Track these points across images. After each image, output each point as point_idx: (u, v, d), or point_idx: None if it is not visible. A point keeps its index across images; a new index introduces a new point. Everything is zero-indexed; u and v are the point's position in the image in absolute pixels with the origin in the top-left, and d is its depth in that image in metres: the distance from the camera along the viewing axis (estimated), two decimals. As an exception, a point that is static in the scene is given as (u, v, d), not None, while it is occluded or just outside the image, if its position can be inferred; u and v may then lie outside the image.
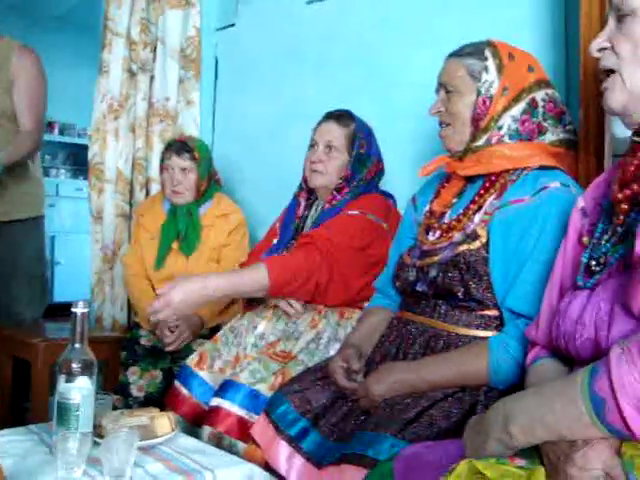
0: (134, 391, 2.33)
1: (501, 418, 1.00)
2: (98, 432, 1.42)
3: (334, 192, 2.08)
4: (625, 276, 0.97)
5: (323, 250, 1.87)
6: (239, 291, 1.86)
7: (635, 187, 1.03)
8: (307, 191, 2.22)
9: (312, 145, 2.14)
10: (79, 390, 1.34)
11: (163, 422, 1.50)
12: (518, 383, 1.29)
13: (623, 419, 0.84)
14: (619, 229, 1.06)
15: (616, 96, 1.06)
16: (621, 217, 1.06)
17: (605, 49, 1.07)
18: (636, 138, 1.08)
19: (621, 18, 1.04)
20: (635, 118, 1.06)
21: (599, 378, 0.88)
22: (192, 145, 2.61)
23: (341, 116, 2.12)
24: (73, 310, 1.37)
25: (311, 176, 2.12)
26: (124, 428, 1.37)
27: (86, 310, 1.39)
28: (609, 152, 1.66)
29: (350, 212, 2.00)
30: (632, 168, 1.04)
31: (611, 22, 1.07)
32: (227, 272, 2.01)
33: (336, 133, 2.09)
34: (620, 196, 1.05)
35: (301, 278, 1.85)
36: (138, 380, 2.34)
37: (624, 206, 1.05)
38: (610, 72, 1.07)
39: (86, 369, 1.36)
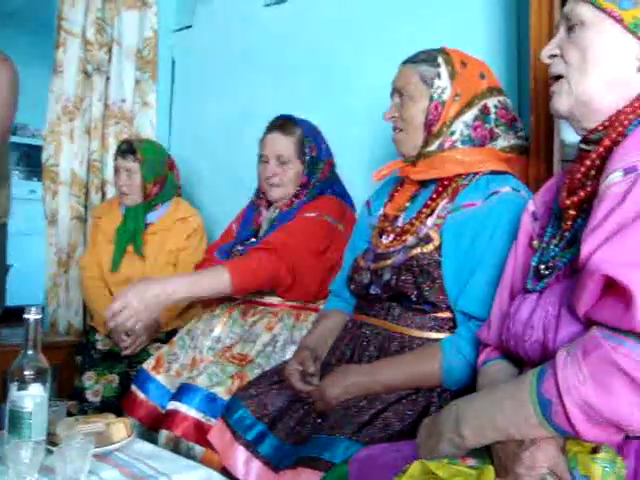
0: (90, 396, 2.29)
1: (453, 420, 1.03)
2: (52, 440, 1.40)
3: (292, 198, 2.10)
4: (572, 280, 1.00)
5: (284, 256, 1.88)
6: (198, 295, 1.87)
7: (582, 194, 1.06)
8: (266, 202, 2.21)
9: (262, 159, 2.13)
10: (32, 398, 1.31)
11: (119, 428, 1.48)
12: (471, 384, 1.31)
13: (569, 420, 0.88)
14: (567, 234, 1.09)
15: (563, 100, 1.10)
16: (569, 223, 1.09)
17: (555, 56, 1.11)
18: (583, 145, 1.12)
19: (571, 27, 1.08)
20: (581, 124, 1.10)
21: (546, 380, 0.91)
22: (137, 147, 2.60)
23: (285, 124, 2.10)
24: (26, 316, 1.34)
25: (270, 190, 2.12)
26: (78, 435, 1.35)
27: (39, 316, 1.36)
28: (558, 157, 1.71)
29: (307, 214, 2.01)
30: (579, 175, 1.08)
31: (561, 31, 1.11)
32: (186, 276, 1.99)
33: (284, 144, 2.08)
34: (568, 202, 1.09)
35: (265, 283, 1.88)
36: (94, 385, 2.31)
37: (572, 212, 1.08)
38: (559, 78, 1.11)
39: (39, 376, 1.34)
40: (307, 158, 2.07)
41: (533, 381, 0.93)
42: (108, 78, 3.19)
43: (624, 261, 0.84)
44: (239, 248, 2.12)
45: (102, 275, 2.63)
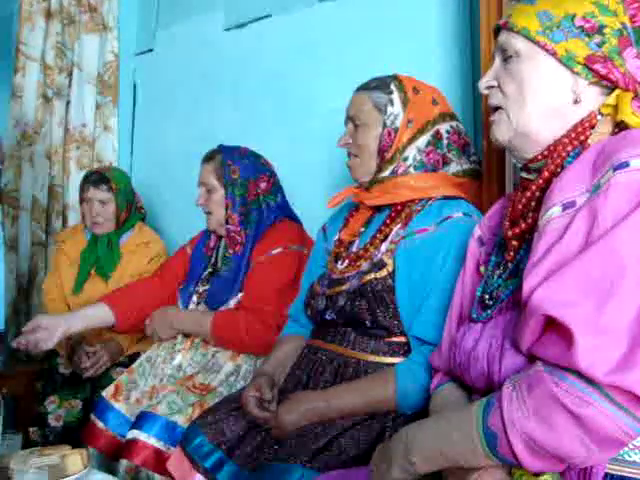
0: (52, 421, 2.26)
1: (403, 447, 1.04)
2: (5, 475, 1.38)
3: (227, 225, 2.08)
4: (515, 313, 1.01)
5: (266, 321, 1.93)
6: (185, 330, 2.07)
7: (523, 225, 1.08)
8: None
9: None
10: (-17, 432, 1.30)
11: (74, 460, 1.46)
12: (425, 408, 1.31)
13: (513, 453, 0.90)
14: (510, 265, 1.10)
15: (502, 131, 1.11)
16: (511, 253, 1.10)
17: (492, 87, 1.13)
18: (524, 174, 1.14)
19: (506, 58, 1.10)
20: (520, 154, 1.12)
21: (492, 414, 0.92)
22: (109, 176, 2.59)
23: (210, 154, 2.15)
24: (-23, 349, 1.34)
25: (207, 220, 2.16)
26: (32, 469, 1.34)
27: (-9, 349, 1.35)
28: (510, 181, 1.74)
29: (274, 251, 2.02)
30: (520, 206, 1.09)
31: (497, 61, 1.12)
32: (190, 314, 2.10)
33: (206, 173, 2.13)
34: (510, 233, 1.10)
35: (240, 344, 1.98)
36: (57, 409, 2.27)
37: (514, 243, 1.10)
38: (498, 108, 1.12)
39: (-10, 410, 1.32)
40: (226, 180, 2.08)
41: (480, 414, 0.94)
42: (68, 102, 3.17)
43: (564, 300, 0.85)
44: (201, 289, 2.14)
45: (63, 297, 2.61)
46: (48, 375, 2.45)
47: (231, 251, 2.08)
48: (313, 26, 2.56)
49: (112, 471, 1.83)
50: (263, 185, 2.11)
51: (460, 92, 2.12)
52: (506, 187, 1.73)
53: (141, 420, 1.82)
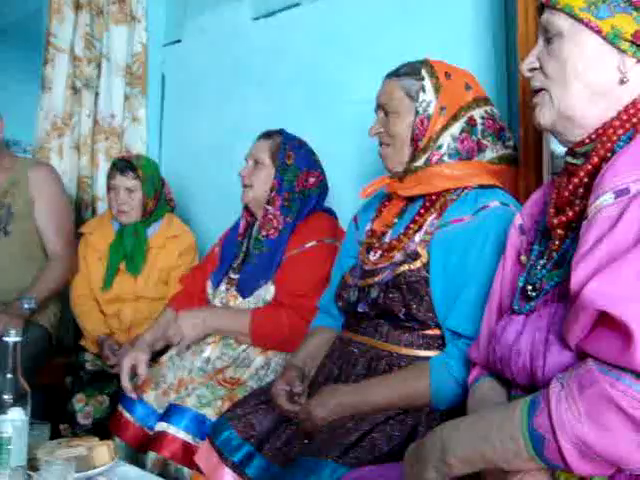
0: (81, 419, 2.25)
1: (439, 447, 0.99)
2: (33, 465, 1.37)
3: (267, 205, 2.06)
4: (560, 305, 0.96)
5: (307, 317, 1.87)
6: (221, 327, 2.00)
7: (570, 213, 1.03)
8: (247, 211, 2.20)
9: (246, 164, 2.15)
10: (11, 422, 1.29)
11: (102, 452, 1.46)
12: (460, 404, 1.28)
13: (562, 456, 0.84)
14: (555, 255, 1.05)
15: (545, 114, 1.06)
16: (557, 243, 1.05)
17: (535, 69, 1.08)
18: (569, 158, 1.08)
19: (549, 39, 1.05)
20: (566, 137, 1.07)
21: (538, 414, 0.87)
22: (137, 164, 2.57)
23: (270, 133, 2.13)
24: (5, 339, 1.33)
25: (243, 193, 2.12)
26: (59, 460, 1.32)
27: (18, 339, 1.34)
28: (548, 169, 1.69)
29: (308, 245, 1.99)
30: (566, 193, 1.04)
31: (540, 43, 1.08)
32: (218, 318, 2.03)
33: (262, 147, 2.10)
34: (555, 221, 1.05)
35: (281, 341, 1.95)
36: (84, 407, 2.27)
37: (560, 232, 1.05)
38: (541, 90, 1.08)
39: (19, 400, 1.31)
40: (279, 162, 2.06)
41: (524, 414, 0.89)
42: (97, 94, 3.17)
43: (619, 295, 0.80)
44: (232, 276, 2.10)
45: (92, 293, 2.59)
46: (75, 372, 2.44)
47: (264, 233, 2.05)
48: (343, 14, 2.51)
49: (139, 463, 1.82)
50: (312, 180, 2.09)
51: (495, 77, 2.07)
52: (544, 175, 1.67)
53: (170, 412, 1.81)
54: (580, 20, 0.99)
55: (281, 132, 2.12)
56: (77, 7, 3.12)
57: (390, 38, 2.33)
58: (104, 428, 2.09)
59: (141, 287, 2.53)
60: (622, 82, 0.99)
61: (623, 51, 0.98)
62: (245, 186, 2.10)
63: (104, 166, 3.06)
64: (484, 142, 1.56)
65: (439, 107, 1.52)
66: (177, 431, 1.76)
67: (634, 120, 0.98)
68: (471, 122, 1.54)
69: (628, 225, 0.84)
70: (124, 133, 3.19)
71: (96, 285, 2.58)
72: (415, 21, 2.28)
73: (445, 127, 1.52)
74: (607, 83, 1.00)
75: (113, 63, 3.15)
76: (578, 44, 1.00)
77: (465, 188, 1.51)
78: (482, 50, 2.12)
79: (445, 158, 1.52)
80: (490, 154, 1.57)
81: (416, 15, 2.28)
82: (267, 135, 2.12)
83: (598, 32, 0.98)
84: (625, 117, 0.99)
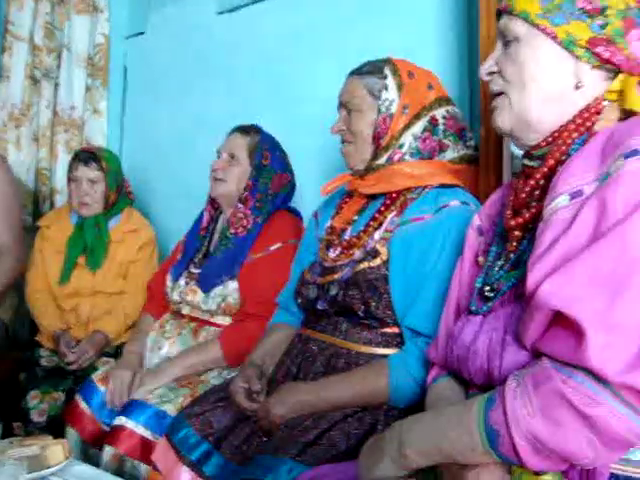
0: (35, 417, 2.18)
1: (397, 440, 1.01)
2: (-17, 465, 1.34)
3: (239, 204, 2.03)
4: (517, 306, 0.97)
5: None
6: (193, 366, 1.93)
7: (526, 215, 1.04)
8: (212, 204, 2.17)
9: (218, 156, 2.11)
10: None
11: (56, 451, 1.42)
12: (418, 402, 1.29)
13: (515, 451, 0.86)
14: (512, 256, 1.06)
15: (503, 117, 1.07)
16: (514, 244, 1.07)
17: (494, 73, 1.09)
18: (526, 161, 1.10)
19: (507, 43, 1.06)
20: (523, 141, 1.08)
21: (494, 410, 0.89)
22: (100, 155, 2.52)
23: (247, 128, 2.10)
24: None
25: (213, 185, 2.08)
26: (10, 460, 1.29)
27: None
28: (508, 169, 1.70)
29: (273, 247, 1.97)
30: (523, 195, 1.05)
31: (498, 47, 1.09)
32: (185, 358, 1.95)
33: (239, 142, 2.06)
34: (512, 223, 1.06)
35: None
36: (39, 405, 2.20)
37: (516, 233, 1.06)
38: (500, 94, 1.08)
39: (-31, 398, 1.28)
40: (256, 163, 2.04)
41: (481, 409, 0.91)
42: (57, 84, 3.11)
43: (573, 294, 0.82)
44: (193, 270, 2.07)
45: (48, 287, 2.53)
46: (30, 368, 2.37)
47: (233, 231, 2.03)
48: (307, 10, 2.50)
49: (94, 460, 1.79)
50: (284, 183, 2.09)
51: (457, 77, 2.08)
52: (504, 176, 1.69)
53: (130, 407, 1.78)
54: (536, 26, 1.01)
55: (258, 129, 2.10)
56: (37, -5, 3.06)
57: (354, 36, 2.32)
58: (59, 426, 2.05)
59: (99, 281, 2.48)
60: (577, 87, 1.00)
61: (578, 57, 0.99)
62: (216, 179, 2.07)
63: (63, 158, 3.00)
64: (445, 142, 1.57)
65: (401, 106, 1.52)
66: (136, 426, 1.73)
67: (588, 124, 1.00)
68: (433, 122, 1.55)
69: (581, 226, 0.86)
70: (84, 125, 3.13)
71: (53, 279, 2.51)
72: (379, 19, 2.28)
73: (407, 126, 1.53)
74: (563, 88, 1.01)
75: (74, 54, 3.09)
76: (534, 49, 1.02)
77: (426, 187, 1.51)
78: (445, 50, 2.13)
79: (407, 157, 1.53)
80: (451, 154, 1.58)
81: (380, 13, 2.28)
82: (243, 130, 2.09)
83: (554, 38, 1.00)
84: (580, 121, 1.00)
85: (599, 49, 0.97)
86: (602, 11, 0.98)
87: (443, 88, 1.64)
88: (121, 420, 1.75)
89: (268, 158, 2.05)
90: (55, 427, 2.08)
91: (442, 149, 1.56)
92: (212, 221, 2.17)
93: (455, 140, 1.59)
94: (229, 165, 2.05)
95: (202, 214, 2.21)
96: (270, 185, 2.05)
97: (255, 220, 2.02)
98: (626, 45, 0.98)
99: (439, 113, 1.57)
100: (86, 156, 2.51)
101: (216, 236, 2.12)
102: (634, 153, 0.85)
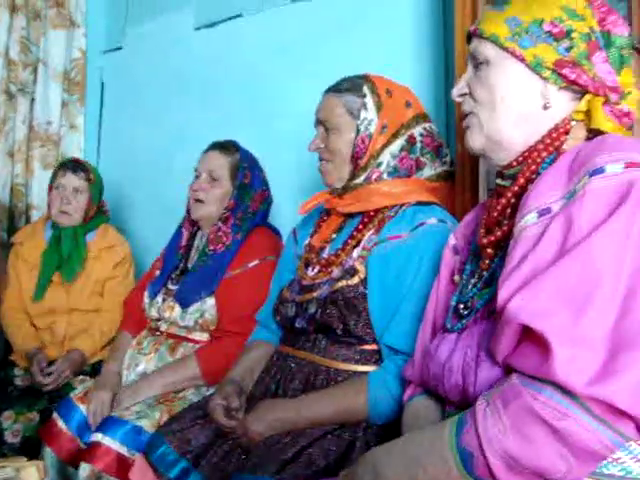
0: (9, 438, 2.14)
1: (370, 472, 1.00)
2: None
3: (219, 223, 2.03)
4: (490, 322, 0.99)
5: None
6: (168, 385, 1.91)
7: (498, 233, 1.06)
8: (190, 222, 2.16)
9: (195, 175, 2.09)
10: None
11: (30, 472, 1.40)
12: (396, 419, 1.29)
13: (490, 471, 0.86)
14: (485, 274, 1.08)
15: (474, 137, 1.10)
16: (486, 262, 1.09)
17: (465, 94, 1.11)
18: (499, 180, 1.12)
19: (477, 66, 1.09)
20: (494, 161, 1.10)
21: (466, 432, 0.89)
22: (88, 166, 2.53)
23: (225, 146, 2.08)
24: None
25: (193, 207, 2.06)
26: (-15, 482, 1.28)
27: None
28: (484, 187, 1.72)
29: (251, 264, 1.97)
30: (495, 213, 1.07)
31: (469, 69, 1.11)
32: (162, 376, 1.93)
33: (219, 162, 2.04)
34: (485, 241, 1.08)
35: None
36: (13, 425, 2.17)
37: (489, 251, 1.08)
38: (471, 114, 1.11)
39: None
40: (238, 183, 2.03)
41: (452, 432, 0.91)
42: (33, 99, 3.09)
43: (539, 309, 0.83)
44: (170, 287, 2.06)
45: (22, 305, 2.48)
46: (2, 388, 2.32)
47: (212, 247, 2.02)
48: (285, 26, 2.53)
49: (70, 476, 1.77)
50: (262, 199, 2.09)
51: (433, 93, 2.11)
52: (480, 194, 1.71)
53: (106, 423, 1.75)
54: (505, 49, 1.04)
55: (236, 146, 2.09)
56: (13, 9, 3.02)
57: (331, 52, 2.35)
58: (34, 447, 2.02)
59: (75, 299, 2.44)
60: (545, 107, 1.03)
61: (545, 79, 1.02)
62: (197, 200, 2.05)
63: (39, 174, 2.99)
64: (422, 160, 1.59)
65: (380, 125, 1.53)
66: (112, 442, 1.70)
67: (557, 143, 1.03)
68: (411, 140, 1.57)
69: (548, 243, 0.88)
70: (61, 141, 3.11)
71: (27, 297, 2.46)
72: (356, 35, 2.31)
73: (385, 145, 1.54)
74: (531, 108, 1.04)
75: (50, 68, 3.08)
76: (504, 71, 1.05)
77: (403, 205, 1.52)
78: (421, 66, 2.16)
79: (384, 176, 1.54)
80: (428, 171, 1.60)
81: (357, 29, 2.31)
82: (222, 147, 2.07)
83: (522, 60, 1.03)
84: (549, 141, 1.03)
85: (565, 71, 1.01)
86: (567, 34, 1.02)
87: (421, 104, 1.65)
88: (97, 437, 1.72)
89: (248, 177, 2.05)
90: (30, 448, 2.05)
91: (419, 167, 1.58)
92: (190, 237, 2.16)
93: (432, 157, 1.60)
94: (210, 187, 2.03)
95: (179, 230, 2.20)
96: (250, 203, 2.05)
97: (235, 237, 2.01)
98: (591, 67, 1.02)
99: (417, 131, 1.58)
100: (74, 165, 2.50)
101: (194, 252, 2.11)
102: (599, 171, 0.88)
